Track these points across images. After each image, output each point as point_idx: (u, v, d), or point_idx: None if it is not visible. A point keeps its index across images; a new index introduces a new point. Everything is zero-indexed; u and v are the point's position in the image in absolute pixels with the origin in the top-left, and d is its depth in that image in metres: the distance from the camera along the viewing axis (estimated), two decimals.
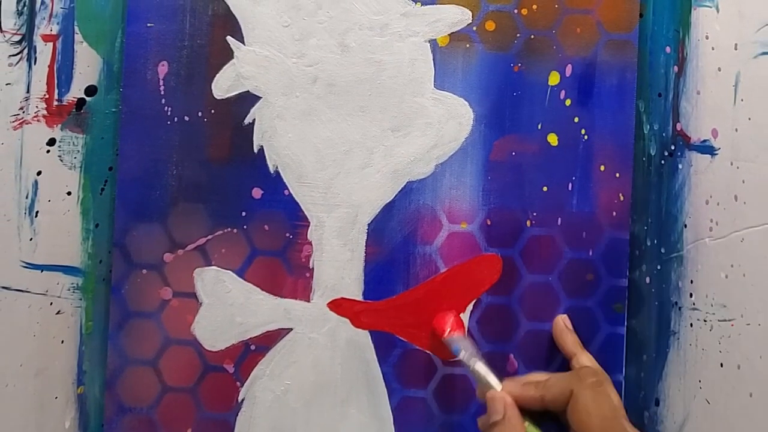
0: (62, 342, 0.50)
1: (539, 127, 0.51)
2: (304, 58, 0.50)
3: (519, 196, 0.51)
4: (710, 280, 0.49)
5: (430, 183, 0.50)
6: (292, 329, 0.50)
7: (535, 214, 0.51)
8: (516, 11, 0.50)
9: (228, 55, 0.50)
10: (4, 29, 0.49)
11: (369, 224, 0.50)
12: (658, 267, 0.51)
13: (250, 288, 0.50)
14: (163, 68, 0.49)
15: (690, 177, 0.51)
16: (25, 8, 0.49)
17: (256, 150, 0.50)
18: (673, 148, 0.51)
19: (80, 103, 0.50)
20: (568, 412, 0.44)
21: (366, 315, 0.50)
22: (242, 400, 0.50)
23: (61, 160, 0.50)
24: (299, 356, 0.50)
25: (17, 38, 0.49)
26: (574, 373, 0.46)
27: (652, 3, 0.51)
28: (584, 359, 0.49)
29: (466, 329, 0.50)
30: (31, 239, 0.49)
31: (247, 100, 0.50)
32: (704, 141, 0.50)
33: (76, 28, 0.50)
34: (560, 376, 0.47)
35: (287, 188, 0.50)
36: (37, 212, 0.49)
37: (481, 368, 0.47)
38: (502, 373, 0.50)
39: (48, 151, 0.50)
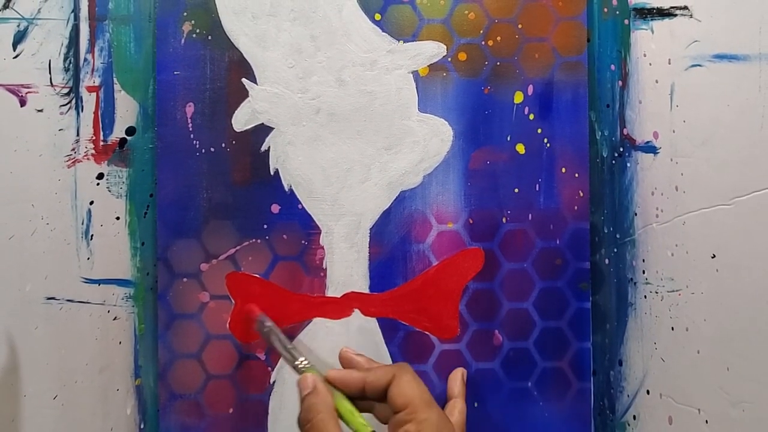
0: (120, 343, 0.50)
1: (508, 138, 0.51)
2: (308, 93, 0.50)
3: (495, 198, 0.51)
4: (659, 258, 0.50)
5: (420, 191, 0.51)
6: (312, 320, 0.51)
7: (509, 212, 0.51)
8: (483, 43, 0.51)
9: (244, 94, 0.50)
10: (54, 84, 0.50)
11: (371, 229, 0.51)
12: (615, 250, 0.52)
13: (275, 288, 0.50)
14: (190, 109, 0.50)
15: (637, 173, 0.51)
16: (71, 65, 0.50)
17: (272, 172, 0.50)
18: (621, 149, 0.52)
19: (122, 142, 0.50)
20: (391, 392, 0.42)
21: (373, 305, 0.51)
22: (274, 382, 0.50)
23: (110, 191, 0.50)
24: (319, 342, 0.51)
25: (65, 91, 0.50)
26: (398, 364, 0.45)
27: (597, 29, 0.52)
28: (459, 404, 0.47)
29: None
30: (88, 258, 0.50)
31: (262, 131, 0.50)
32: (647, 142, 0.51)
33: (115, 79, 0.50)
34: (383, 365, 0.45)
35: (300, 203, 0.51)
36: (92, 236, 0.50)
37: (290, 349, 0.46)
38: (489, 347, 0.51)
39: (98, 184, 0.50)
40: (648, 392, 0.51)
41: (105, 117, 0.50)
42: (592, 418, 0.52)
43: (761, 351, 0.46)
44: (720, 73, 0.48)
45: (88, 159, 0.50)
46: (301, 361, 0.45)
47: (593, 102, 0.52)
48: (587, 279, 0.52)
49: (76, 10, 0.50)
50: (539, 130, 0.51)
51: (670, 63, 0.50)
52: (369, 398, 0.44)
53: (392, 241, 0.51)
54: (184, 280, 0.50)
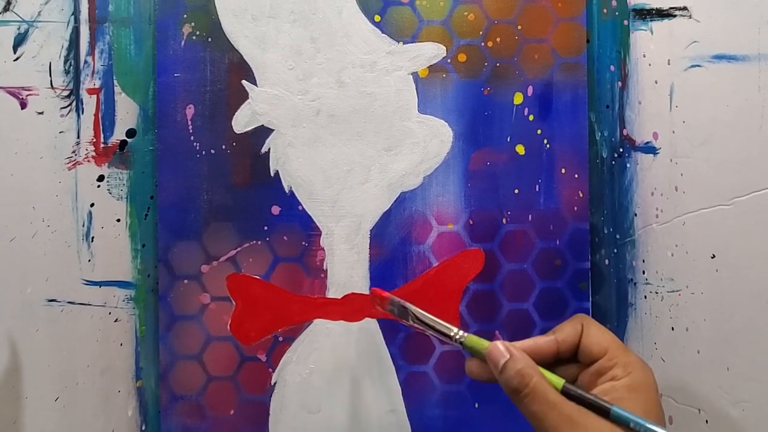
0: (121, 344, 0.51)
1: (508, 139, 0.51)
2: (308, 95, 0.50)
3: (495, 199, 0.51)
4: (659, 258, 0.50)
5: (420, 192, 0.51)
6: (312, 321, 0.51)
7: (509, 213, 0.51)
8: (483, 44, 0.51)
9: (244, 96, 0.50)
10: (54, 86, 0.50)
11: (371, 230, 0.51)
12: (615, 251, 0.52)
13: (275, 289, 0.50)
14: (190, 111, 0.50)
15: (637, 174, 0.51)
16: (71, 67, 0.50)
17: (272, 174, 0.50)
18: (621, 150, 0.52)
19: (123, 144, 0.50)
20: (583, 342, 0.40)
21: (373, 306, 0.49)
22: (274, 383, 0.50)
23: (110, 193, 0.50)
24: (320, 343, 0.51)
25: (66, 93, 0.50)
26: (577, 316, 0.42)
27: (597, 30, 0.52)
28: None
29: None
30: (89, 260, 0.50)
31: (262, 132, 0.50)
32: (647, 143, 0.51)
33: (115, 82, 0.50)
34: (564, 323, 0.42)
35: (301, 204, 0.51)
36: (92, 238, 0.50)
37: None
38: None
39: (98, 186, 0.50)
40: None
41: (105, 119, 0.51)
42: None
43: (761, 351, 0.46)
44: (719, 73, 0.49)
45: (88, 161, 0.50)
46: (457, 332, 0.41)
47: (593, 103, 0.52)
48: (587, 279, 0.52)
49: (76, 13, 0.50)
50: (539, 131, 0.51)
51: (669, 63, 0.50)
52: (560, 361, 0.41)
53: (392, 242, 0.51)
54: (185, 281, 0.51)
